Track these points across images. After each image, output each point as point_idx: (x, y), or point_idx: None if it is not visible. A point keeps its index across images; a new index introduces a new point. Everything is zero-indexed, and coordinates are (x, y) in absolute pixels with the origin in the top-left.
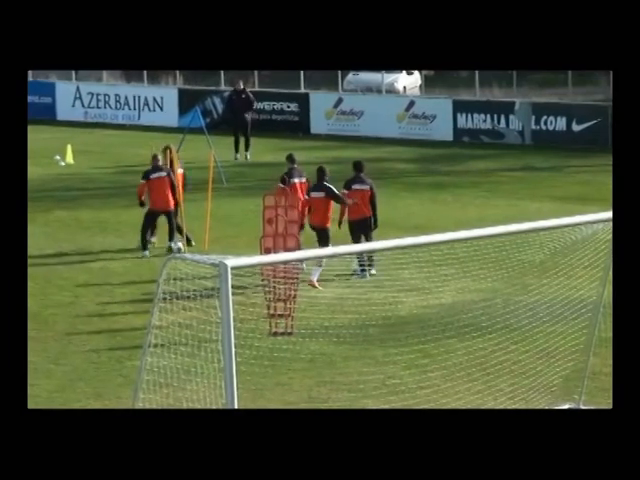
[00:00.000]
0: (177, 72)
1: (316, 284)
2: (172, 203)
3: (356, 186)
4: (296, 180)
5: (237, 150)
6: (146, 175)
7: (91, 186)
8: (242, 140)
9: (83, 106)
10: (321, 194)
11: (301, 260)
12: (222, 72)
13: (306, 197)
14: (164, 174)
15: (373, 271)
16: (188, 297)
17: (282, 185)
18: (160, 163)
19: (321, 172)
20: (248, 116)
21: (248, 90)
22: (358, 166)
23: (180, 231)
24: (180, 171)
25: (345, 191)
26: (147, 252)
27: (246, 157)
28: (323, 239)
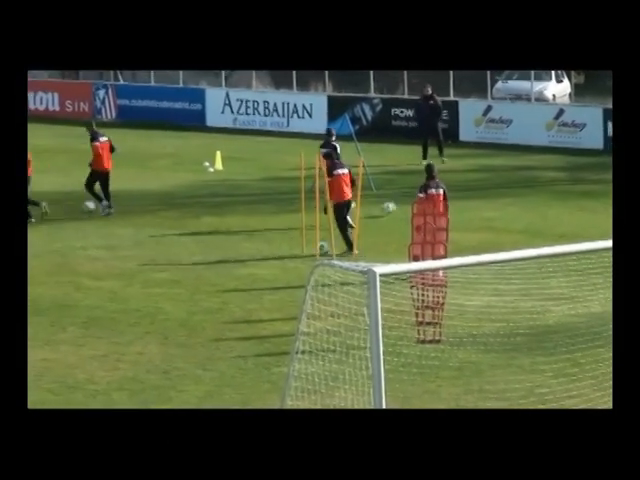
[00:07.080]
0: (326, 79)
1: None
2: (109, 164)
3: (432, 191)
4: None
5: (425, 157)
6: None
7: (239, 192)
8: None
9: (232, 112)
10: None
11: (449, 268)
12: (372, 79)
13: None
14: (105, 139)
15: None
16: (336, 304)
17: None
18: (95, 129)
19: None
20: (437, 122)
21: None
22: (431, 170)
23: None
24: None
25: (422, 195)
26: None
27: (442, 161)
28: None
